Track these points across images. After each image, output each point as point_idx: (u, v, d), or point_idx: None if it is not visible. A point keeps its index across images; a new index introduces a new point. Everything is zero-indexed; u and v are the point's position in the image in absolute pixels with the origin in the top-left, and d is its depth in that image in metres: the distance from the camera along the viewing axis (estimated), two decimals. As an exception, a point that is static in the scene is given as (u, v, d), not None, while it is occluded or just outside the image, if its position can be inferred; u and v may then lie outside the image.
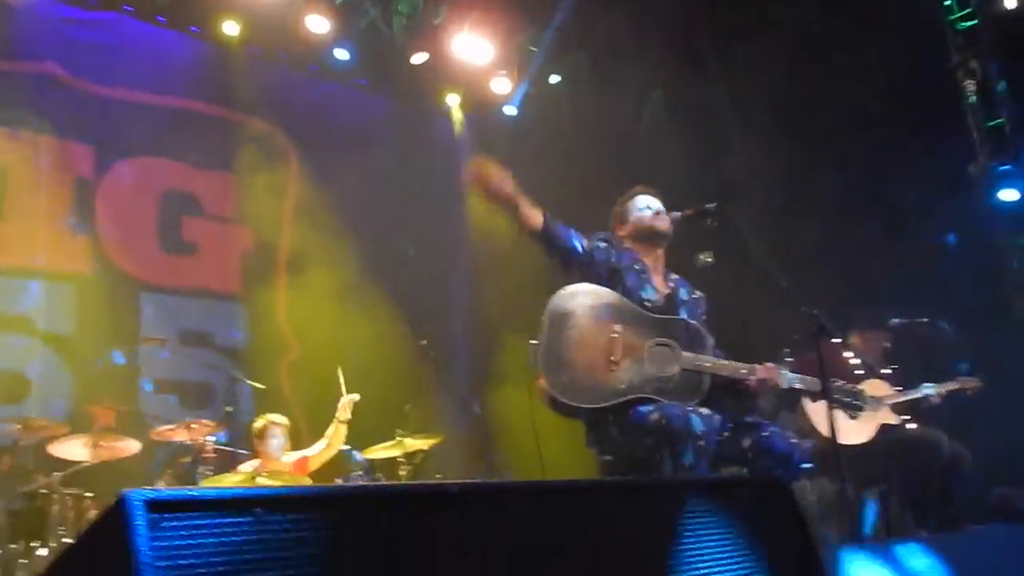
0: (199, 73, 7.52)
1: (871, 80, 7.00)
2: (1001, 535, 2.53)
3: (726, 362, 3.37)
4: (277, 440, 5.59)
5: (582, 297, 3.29)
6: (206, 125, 7.61)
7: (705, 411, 3.16)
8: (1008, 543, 2.54)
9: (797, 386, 3.44)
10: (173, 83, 7.41)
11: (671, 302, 3.56)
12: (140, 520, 0.92)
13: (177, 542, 0.95)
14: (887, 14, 7.14)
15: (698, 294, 3.71)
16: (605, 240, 3.59)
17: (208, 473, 5.29)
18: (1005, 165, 7.23)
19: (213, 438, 5.57)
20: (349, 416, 5.81)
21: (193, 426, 5.56)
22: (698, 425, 3.05)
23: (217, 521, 0.99)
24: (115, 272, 7.02)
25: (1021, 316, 7.14)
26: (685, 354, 3.30)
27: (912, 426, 5.18)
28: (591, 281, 3.40)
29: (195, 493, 1.02)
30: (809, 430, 5.16)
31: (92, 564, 0.99)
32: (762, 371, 3.36)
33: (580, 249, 3.45)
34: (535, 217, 3.45)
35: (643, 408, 3.15)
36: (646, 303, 3.46)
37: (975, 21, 7.46)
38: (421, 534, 1.20)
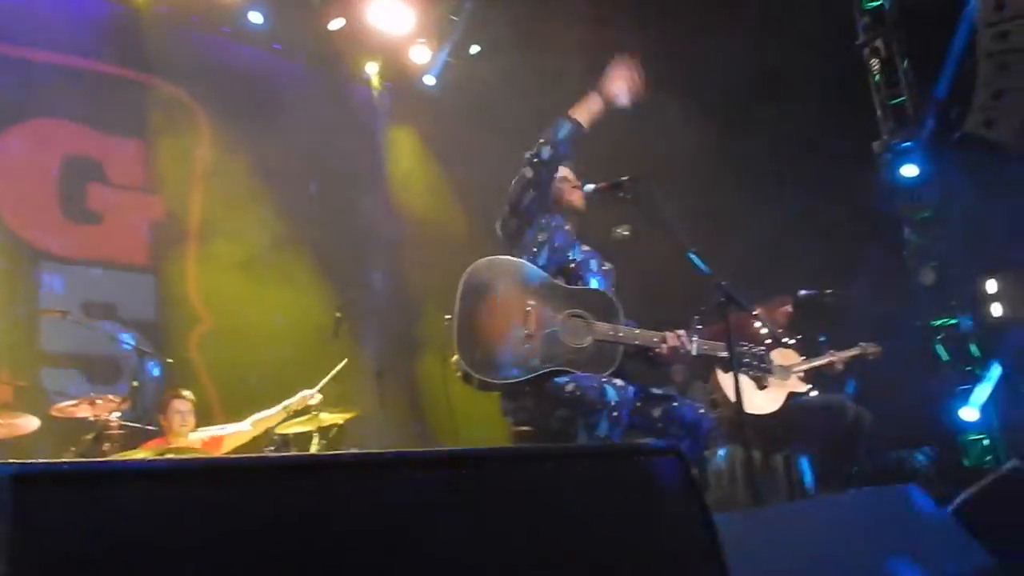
0: (105, 33, 7.18)
1: (784, 56, 7.15)
2: (893, 495, 2.65)
3: (638, 331, 3.42)
4: (179, 416, 5.45)
5: (495, 270, 3.28)
6: (113, 87, 7.29)
7: (619, 382, 3.19)
8: (898, 503, 2.67)
9: (706, 352, 3.50)
10: (77, 42, 7.04)
11: (586, 269, 3.61)
12: (6, 496, 0.88)
13: (49, 520, 0.91)
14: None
15: (608, 266, 3.75)
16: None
17: (112, 451, 5.14)
18: (906, 142, 7.51)
19: (118, 414, 5.39)
20: (296, 409, 5.70)
21: (97, 402, 5.35)
22: (612, 396, 3.09)
23: (94, 497, 0.95)
24: (12, 240, 6.71)
25: (920, 285, 7.46)
26: (598, 324, 3.33)
27: (815, 393, 5.38)
28: (522, 234, 3.43)
29: (69, 466, 0.98)
30: (721, 400, 5.32)
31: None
32: (672, 339, 3.42)
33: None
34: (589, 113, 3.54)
35: (559, 379, 3.18)
36: (570, 263, 3.50)
37: (880, 2, 7.69)
38: (307, 507, 1.18)
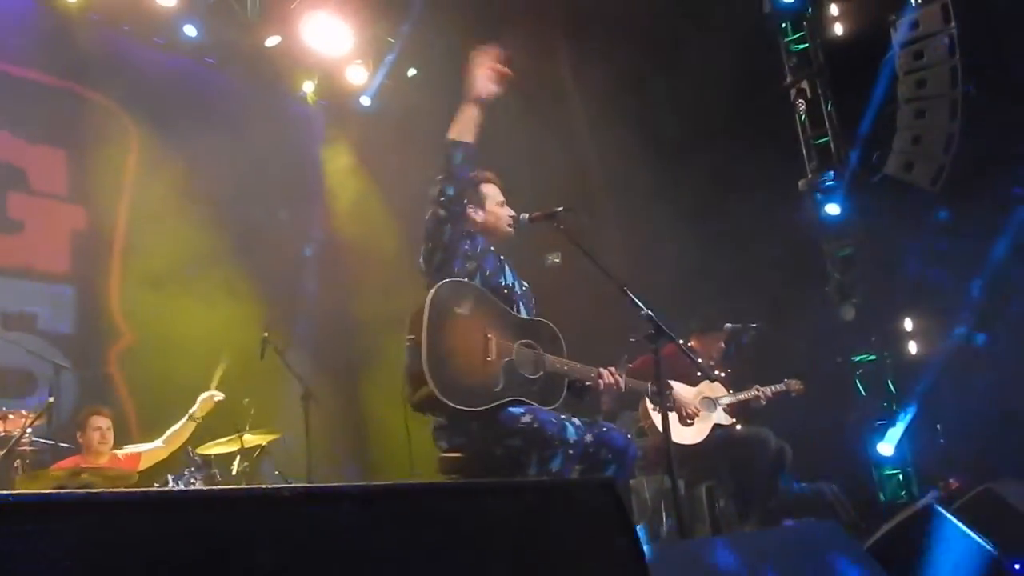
0: (34, 38, 6.98)
1: (716, 97, 7.35)
2: (813, 531, 2.72)
3: (580, 366, 3.50)
4: (98, 433, 5.29)
5: (459, 293, 3.25)
6: (39, 95, 7.08)
7: (577, 421, 3.24)
8: (817, 539, 2.74)
9: (632, 388, 3.64)
10: (4, 47, 6.84)
11: (518, 294, 3.62)
12: None
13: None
14: (734, 31, 7.51)
15: (526, 284, 3.77)
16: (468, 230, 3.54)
17: (24, 468, 4.95)
18: (830, 182, 7.77)
19: (31, 430, 5.20)
20: (202, 415, 5.58)
21: (10, 416, 5.17)
22: (571, 434, 3.13)
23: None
24: (-75, 248, 6.45)
25: (841, 321, 7.70)
26: (548, 357, 3.38)
27: (739, 427, 5.51)
28: (449, 267, 3.37)
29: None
30: (649, 428, 5.39)
31: None
32: (607, 376, 3.53)
33: (459, 235, 3.41)
34: (470, 129, 3.38)
35: (513, 409, 3.18)
36: (504, 289, 3.51)
37: (807, 44, 7.99)
38: (244, 541, 1.16)
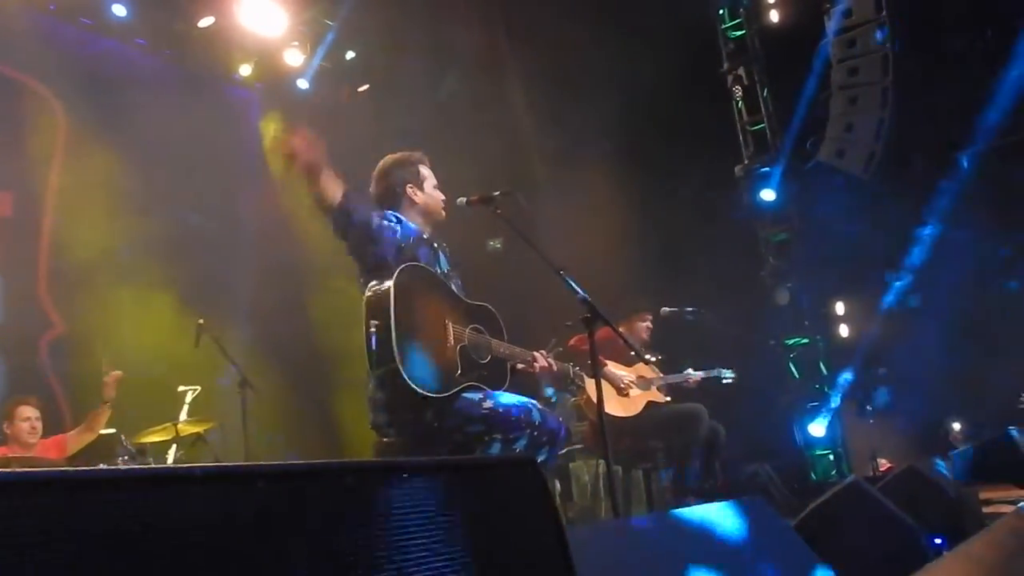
0: (-47, 18, 6.74)
1: (652, 78, 7.40)
2: (741, 509, 2.77)
3: (519, 349, 3.53)
4: (27, 423, 5.16)
5: (417, 277, 3.20)
6: (-42, 75, 6.84)
7: (541, 404, 3.28)
8: (745, 516, 2.79)
9: (555, 369, 3.70)
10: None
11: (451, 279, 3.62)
12: None
13: None
14: (671, 18, 7.58)
15: (456, 271, 3.74)
16: (395, 216, 3.47)
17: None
18: (765, 167, 7.90)
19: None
20: (113, 395, 5.45)
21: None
22: (537, 417, 3.17)
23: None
24: None
25: (776, 305, 7.86)
26: (493, 341, 3.39)
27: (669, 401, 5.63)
28: (380, 258, 3.27)
29: None
30: (584, 403, 5.46)
31: None
32: (541, 358, 3.57)
33: (374, 226, 3.28)
34: (335, 192, 3.15)
35: (470, 395, 3.16)
36: (440, 276, 3.49)
37: (744, 32, 8.09)
38: (158, 520, 1.15)
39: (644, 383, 5.56)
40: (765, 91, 8.04)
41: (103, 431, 5.59)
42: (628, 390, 5.42)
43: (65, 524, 1.04)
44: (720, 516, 2.67)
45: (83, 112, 7.26)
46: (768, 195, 7.85)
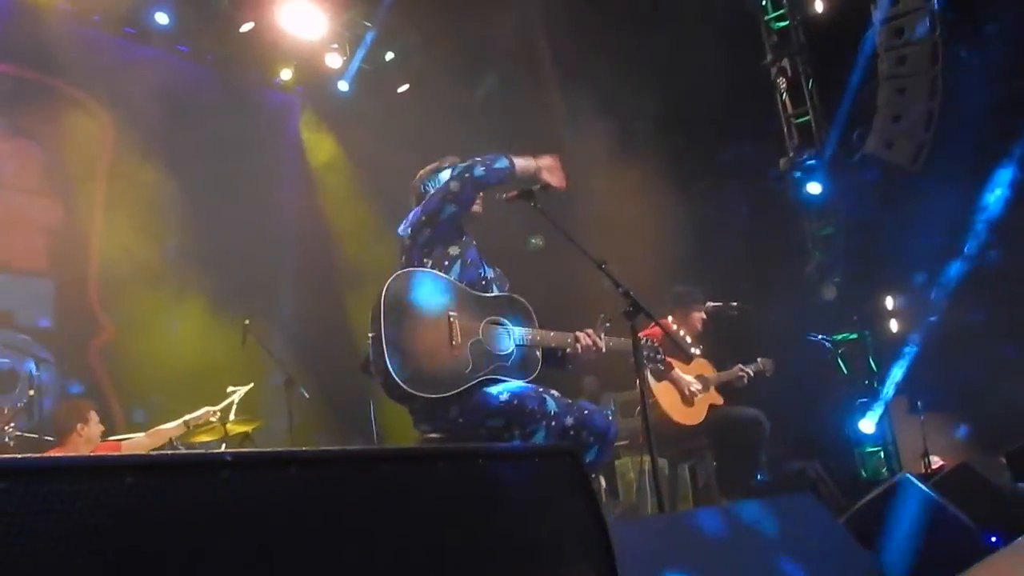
0: (4, 31, 6.89)
1: (695, 73, 7.32)
2: (789, 505, 2.72)
3: (555, 333, 3.44)
4: (84, 426, 5.25)
5: (412, 283, 3.17)
6: (11, 88, 6.98)
7: (556, 393, 3.21)
8: (794, 512, 2.74)
9: (613, 349, 3.57)
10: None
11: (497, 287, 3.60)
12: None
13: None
14: (712, 11, 7.50)
15: (499, 270, 3.73)
16: None
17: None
18: (811, 160, 7.75)
19: (13, 425, 5.17)
20: (197, 424, 5.53)
21: (-7, 412, 5.15)
22: (552, 406, 3.10)
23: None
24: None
25: (824, 300, 7.71)
26: (517, 329, 3.33)
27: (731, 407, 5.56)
28: (432, 247, 3.34)
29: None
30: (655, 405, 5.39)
31: None
32: (584, 338, 3.46)
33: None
34: None
35: (488, 389, 3.14)
36: (482, 280, 3.46)
37: (787, 22, 7.96)
38: (192, 504, 1.15)
39: (704, 383, 5.51)
40: (810, 82, 7.89)
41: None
42: (693, 398, 5.35)
43: (139, 507, 1.06)
44: (768, 512, 2.61)
45: (128, 121, 7.41)
46: (814, 188, 7.70)
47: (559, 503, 1.60)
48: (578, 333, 3.47)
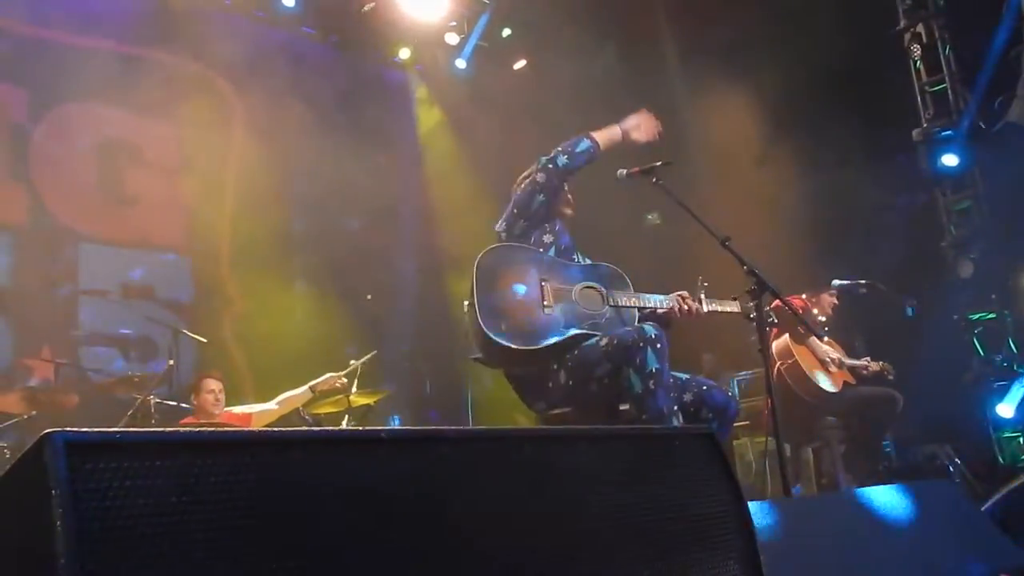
0: (140, 16, 7.24)
1: (819, 42, 7.05)
2: (927, 491, 2.62)
3: (648, 295, 3.54)
4: (211, 395, 5.52)
5: (503, 254, 3.36)
6: (148, 71, 7.32)
7: (649, 322, 3.28)
8: (932, 499, 2.64)
9: (714, 309, 3.63)
10: (112, 26, 7.11)
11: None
12: (61, 462, 0.90)
13: (100, 485, 0.94)
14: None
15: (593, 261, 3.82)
16: None
17: (149, 428, 5.22)
18: (947, 130, 7.35)
19: (154, 394, 5.50)
20: (324, 388, 5.76)
21: (135, 380, 5.47)
22: (650, 331, 3.13)
23: (144, 464, 0.98)
24: (53, 223, 6.84)
25: (959, 278, 7.33)
26: (612, 292, 3.44)
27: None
28: (527, 238, 3.50)
29: (118, 435, 1.00)
30: (786, 370, 5.33)
31: (11, 508, 0.97)
32: (678, 301, 3.54)
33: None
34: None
35: (587, 342, 3.23)
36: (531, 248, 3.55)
37: (922, -14, 7.54)
38: (352, 478, 1.20)
39: (839, 360, 5.42)
40: (947, 48, 7.47)
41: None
42: (830, 366, 5.30)
43: (278, 480, 1.11)
44: (906, 497, 2.52)
45: (257, 100, 7.68)
46: (950, 160, 7.29)
47: (698, 486, 1.59)
48: (676, 295, 3.56)
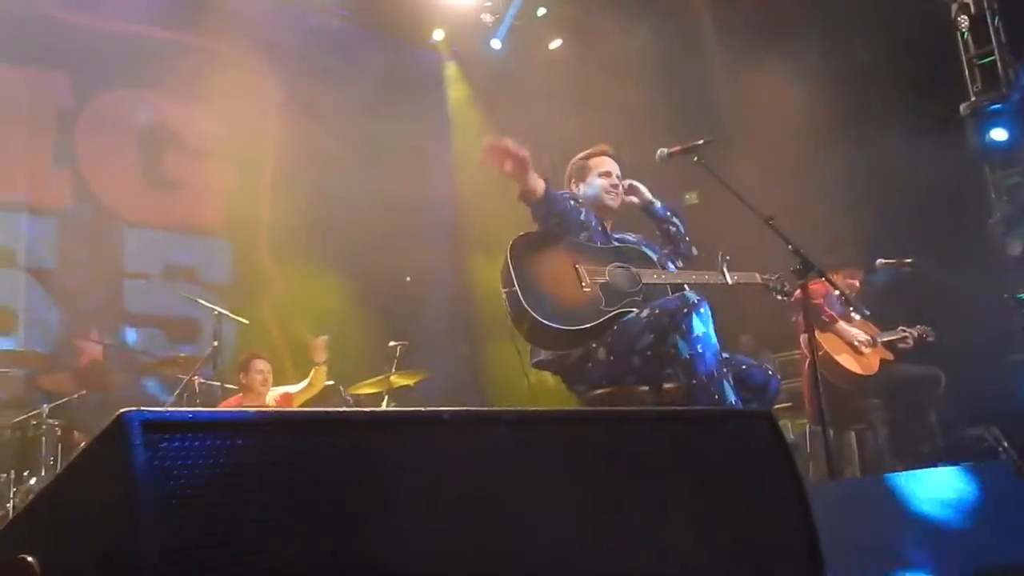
0: (180, 2, 7.33)
1: (861, 15, 6.92)
2: (977, 470, 2.57)
3: (678, 271, 3.62)
4: (260, 375, 5.60)
5: (535, 240, 3.39)
6: (187, 56, 7.37)
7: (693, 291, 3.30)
8: (984, 478, 2.60)
9: (739, 281, 3.64)
10: (151, 12, 7.19)
11: None
12: (137, 440, 0.92)
13: (175, 462, 0.96)
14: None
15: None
16: (573, 199, 3.65)
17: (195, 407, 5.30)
18: (996, 104, 7.17)
19: (199, 374, 5.58)
20: (325, 356, 5.81)
21: (180, 361, 5.56)
22: (692, 296, 3.16)
23: (213, 443, 1.00)
24: (98, 207, 6.95)
25: (1008, 256, 7.17)
26: (643, 271, 3.45)
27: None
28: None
29: (191, 414, 1.02)
30: (823, 365, 5.26)
31: (89, 485, 0.99)
32: (709, 276, 3.60)
33: (564, 211, 3.51)
34: (538, 187, 3.43)
35: (628, 317, 3.24)
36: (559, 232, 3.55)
37: (971, -45, 7.34)
38: (415, 457, 1.21)
39: (873, 339, 5.33)
40: (996, 19, 7.26)
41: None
42: (862, 348, 5.20)
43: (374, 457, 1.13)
44: (961, 480, 2.48)
45: (294, 84, 7.72)
46: (999, 134, 7.12)
47: (756, 468, 1.57)
48: (703, 272, 3.62)
